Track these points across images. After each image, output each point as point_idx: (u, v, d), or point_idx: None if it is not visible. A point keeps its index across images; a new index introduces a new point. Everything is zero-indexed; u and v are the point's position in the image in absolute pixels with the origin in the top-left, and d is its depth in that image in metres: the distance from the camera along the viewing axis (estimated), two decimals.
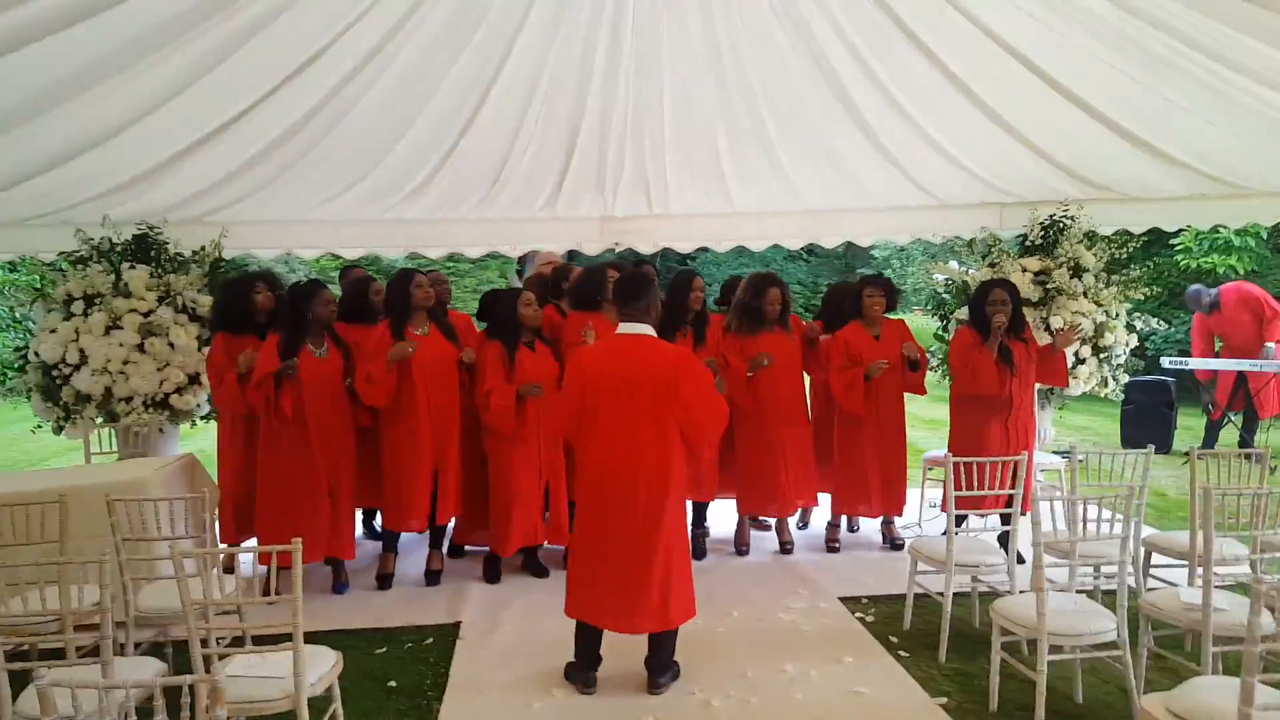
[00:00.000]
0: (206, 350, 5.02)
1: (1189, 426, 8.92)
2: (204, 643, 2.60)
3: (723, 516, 5.34)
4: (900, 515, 5.25)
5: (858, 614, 4.14)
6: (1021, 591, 3.47)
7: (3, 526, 3.03)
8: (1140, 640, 3.26)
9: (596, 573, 3.24)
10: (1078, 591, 3.33)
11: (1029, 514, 3.15)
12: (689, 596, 3.33)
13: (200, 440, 7.43)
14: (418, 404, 4.41)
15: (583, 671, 3.37)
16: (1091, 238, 5.72)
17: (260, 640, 2.74)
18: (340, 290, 5.22)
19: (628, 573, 3.19)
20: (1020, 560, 4.11)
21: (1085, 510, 3.28)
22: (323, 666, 2.72)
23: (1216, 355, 8.03)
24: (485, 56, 4.45)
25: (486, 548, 4.72)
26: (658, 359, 3.20)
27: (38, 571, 2.59)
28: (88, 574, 2.74)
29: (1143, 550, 4.07)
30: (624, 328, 3.27)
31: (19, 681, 2.32)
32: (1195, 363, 7.61)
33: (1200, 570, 2.95)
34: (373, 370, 4.29)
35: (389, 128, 4.89)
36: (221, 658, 2.62)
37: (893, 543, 5.22)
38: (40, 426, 5.25)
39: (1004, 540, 4.39)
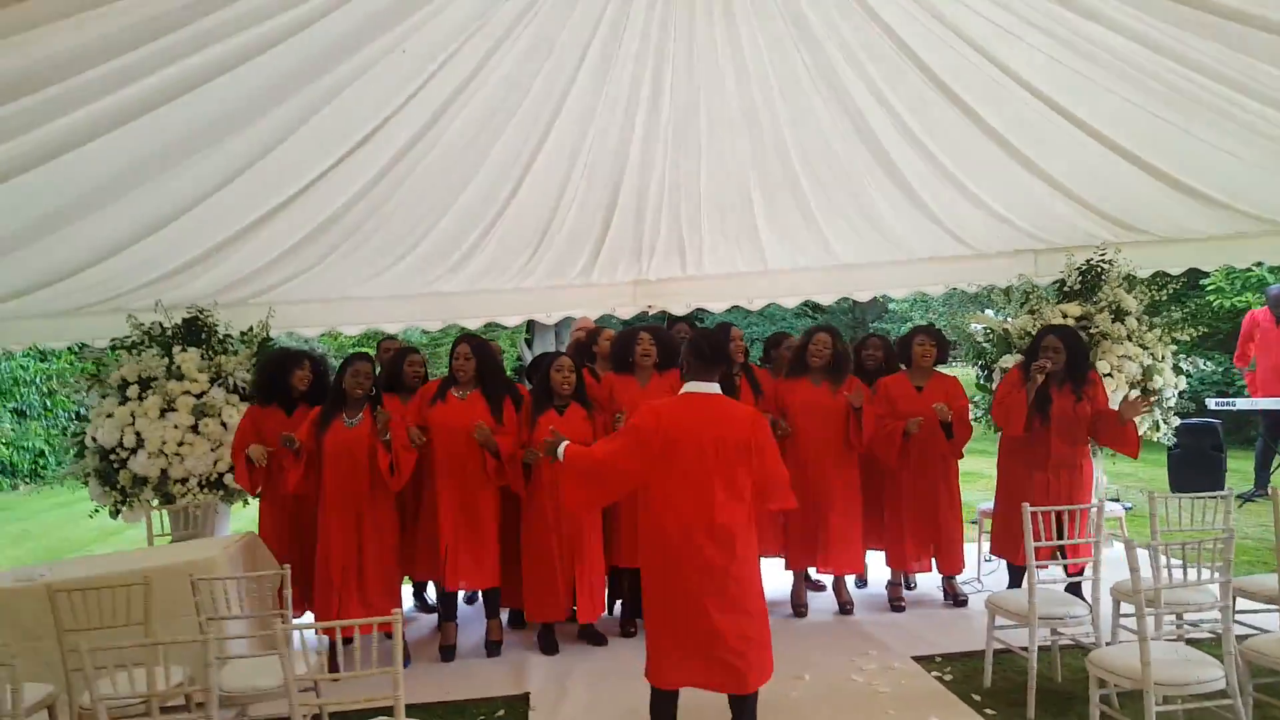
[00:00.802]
0: None
1: (1237, 469, 8.72)
2: None
3: (775, 577, 5.16)
4: (960, 572, 5.12)
5: (934, 673, 4.02)
6: (1108, 643, 3.37)
7: (89, 609, 3.02)
8: (1245, 688, 3.15)
9: (676, 635, 3.15)
10: (1165, 640, 3.24)
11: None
12: (769, 658, 3.24)
13: (241, 520, 7.39)
14: (435, 466, 4.48)
15: None
16: (1131, 281, 5.72)
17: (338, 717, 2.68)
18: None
19: (710, 631, 3.10)
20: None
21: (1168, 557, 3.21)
22: None
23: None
24: (529, 131, 4.58)
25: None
26: (735, 418, 3.20)
27: (122, 654, 2.58)
28: (168, 654, 2.72)
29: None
30: (694, 386, 3.24)
31: None
32: (1243, 403, 7.50)
33: None
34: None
35: (433, 206, 5.01)
36: None
37: (954, 598, 5.08)
38: (98, 510, 5.23)
39: (1072, 590, 4.29)
